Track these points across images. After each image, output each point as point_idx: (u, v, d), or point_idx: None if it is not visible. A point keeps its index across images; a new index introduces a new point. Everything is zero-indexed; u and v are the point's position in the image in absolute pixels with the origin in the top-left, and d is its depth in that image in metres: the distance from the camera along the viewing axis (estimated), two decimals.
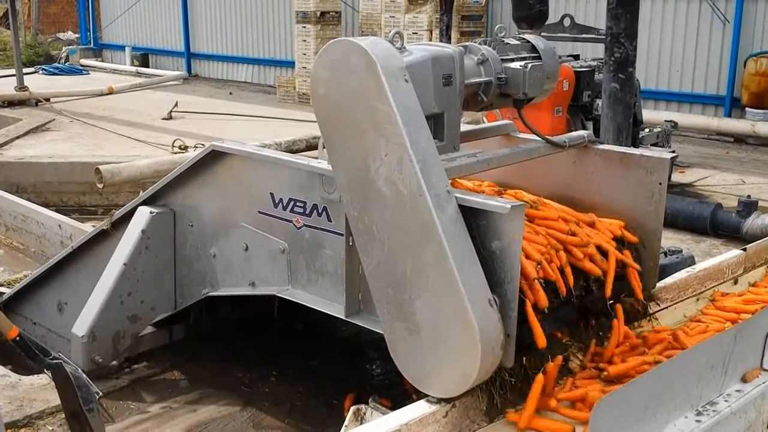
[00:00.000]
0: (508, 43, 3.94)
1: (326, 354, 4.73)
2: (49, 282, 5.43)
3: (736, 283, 4.83)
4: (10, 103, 15.05)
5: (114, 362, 4.74)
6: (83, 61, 22.05)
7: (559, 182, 4.33)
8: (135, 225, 4.65)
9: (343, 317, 3.78)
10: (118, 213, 4.92)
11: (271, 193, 4.05)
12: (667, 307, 4.37)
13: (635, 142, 8.84)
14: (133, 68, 20.60)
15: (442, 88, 3.53)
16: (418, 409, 3.25)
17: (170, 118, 13.59)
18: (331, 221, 3.82)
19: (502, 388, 3.43)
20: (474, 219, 3.25)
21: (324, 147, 3.59)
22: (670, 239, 7.26)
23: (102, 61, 22.89)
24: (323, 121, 3.44)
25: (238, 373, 4.69)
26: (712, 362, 3.21)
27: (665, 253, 5.23)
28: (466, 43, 3.87)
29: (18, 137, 12.46)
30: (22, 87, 15.45)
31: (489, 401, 3.40)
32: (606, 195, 4.21)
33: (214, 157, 4.31)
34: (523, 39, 4.04)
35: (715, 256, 7.16)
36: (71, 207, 10.26)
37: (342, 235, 3.73)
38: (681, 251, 5.36)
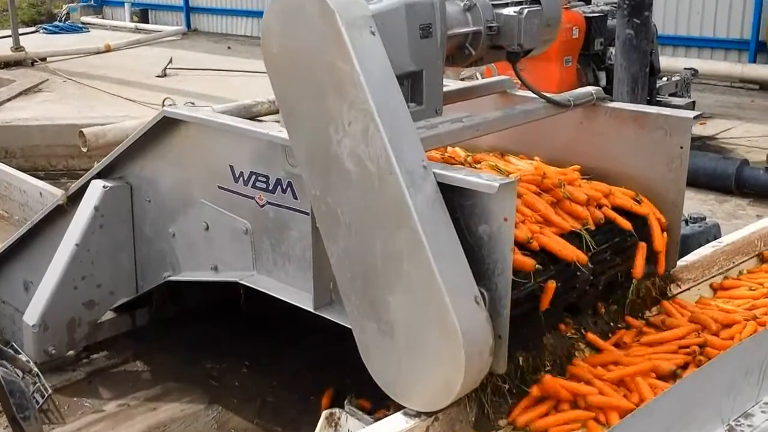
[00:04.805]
0: None
1: (304, 340, 4.21)
2: (16, 258, 4.99)
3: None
4: (6, 64, 14.60)
5: (70, 352, 4.27)
6: (84, 19, 21.49)
7: (563, 146, 3.78)
8: (87, 201, 4.15)
9: (311, 310, 3.27)
10: (73, 186, 4.43)
11: (231, 166, 3.53)
12: (689, 289, 3.83)
13: (652, 93, 8.24)
14: (132, 24, 20.01)
15: (419, 41, 2.97)
16: (393, 423, 2.77)
17: (164, 75, 13.07)
18: (296, 198, 3.29)
19: (495, 395, 2.93)
20: (458, 198, 2.72)
21: None
22: (690, 200, 6.67)
23: (102, 18, 22.28)
24: (278, 83, 2.91)
25: (206, 364, 4.23)
26: (747, 366, 2.68)
27: (686, 221, 4.67)
28: None
29: (9, 99, 12.09)
30: (18, 47, 14.94)
31: (479, 410, 2.90)
32: (618, 161, 3.67)
33: (167, 125, 3.78)
34: None
35: (741, 217, 6.62)
36: (60, 171, 9.92)
37: (308, 214, 3.21)
38: (704, 218, 4.79)
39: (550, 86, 7.65)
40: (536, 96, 3.55)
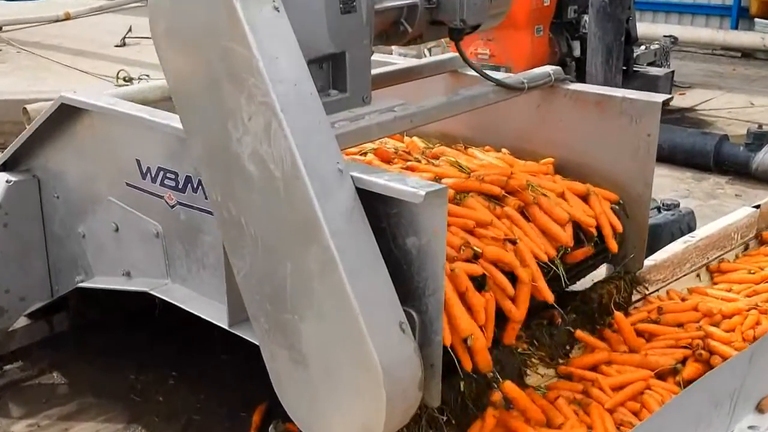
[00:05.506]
0: None
1: (236, 349, 3.78)
2: None
3: (747, 248, 3.88)
4: None
5: None
6: None
7: (517, 133, 3.38)
8: None
9: (225, 327, 2.86)
10: None
11: (138, 161, 3.09)
12: (657, 290, 3.44)
13: (629, 63, 7.83)
14: None
15: (340, 17, 2.54)
16: None
17: (124, 45, 12.47)
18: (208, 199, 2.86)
19: (431, 427, 2.54)
20: (383, 207, 2.30)
21: None
22: (666, 178, 6.30)
23: None
24: (168, 68, 2.47)
25: (129, 375, 3.79)
26: (716, 399, 2.30)
27: (658, 208, 4.27)
28: None
29: None
30: None
31: None
32: (578, 150, 3.28)
33: (68, 113, 3.32)
34: None
35: (719, 197, 6.23)
36: None
37: None
38: (677, 205, 4.39)
39: (520, 57, 7.22)
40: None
